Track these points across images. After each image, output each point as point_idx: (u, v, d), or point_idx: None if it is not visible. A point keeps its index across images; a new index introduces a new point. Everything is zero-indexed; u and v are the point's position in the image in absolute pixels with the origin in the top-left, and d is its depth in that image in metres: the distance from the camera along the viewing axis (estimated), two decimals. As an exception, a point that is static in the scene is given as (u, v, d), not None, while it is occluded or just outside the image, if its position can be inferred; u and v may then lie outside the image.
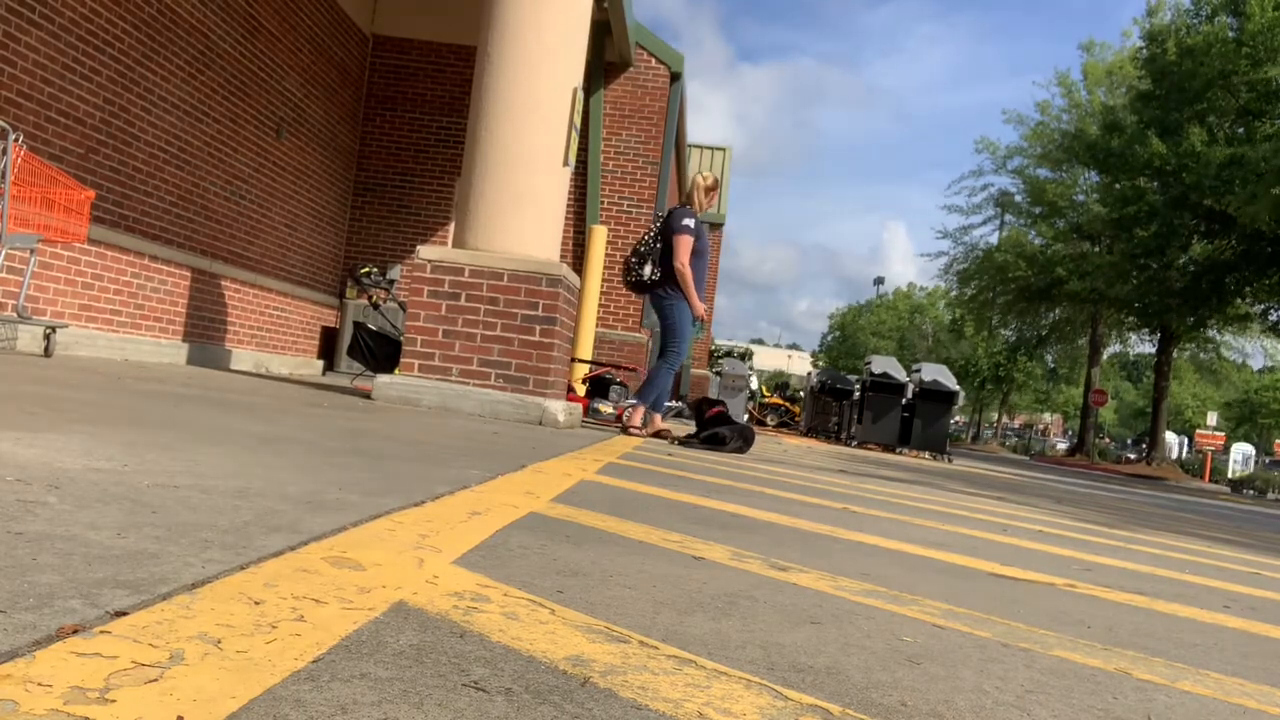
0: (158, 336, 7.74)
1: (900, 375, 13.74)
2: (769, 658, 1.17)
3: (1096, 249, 28.39)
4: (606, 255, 10.27)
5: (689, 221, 6.59)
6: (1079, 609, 1.92)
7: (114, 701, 0.73)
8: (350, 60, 11.07)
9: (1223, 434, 43.21)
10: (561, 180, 6.11)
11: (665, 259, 6.62)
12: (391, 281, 9.88)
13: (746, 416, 18.01)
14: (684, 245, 6.54)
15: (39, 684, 0.74)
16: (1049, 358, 40.15)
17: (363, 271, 9.82)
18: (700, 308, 6.63)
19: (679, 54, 11.83)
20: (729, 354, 29.75)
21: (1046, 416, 71.13)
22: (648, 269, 6.67)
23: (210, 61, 8.04)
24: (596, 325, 10.18)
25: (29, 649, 0.81)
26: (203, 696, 0.76)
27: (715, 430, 6.39)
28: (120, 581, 1.04)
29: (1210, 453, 35.72)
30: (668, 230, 6.66)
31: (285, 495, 1.77)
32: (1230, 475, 31.74)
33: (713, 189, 6.80)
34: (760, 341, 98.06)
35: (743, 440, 6.43)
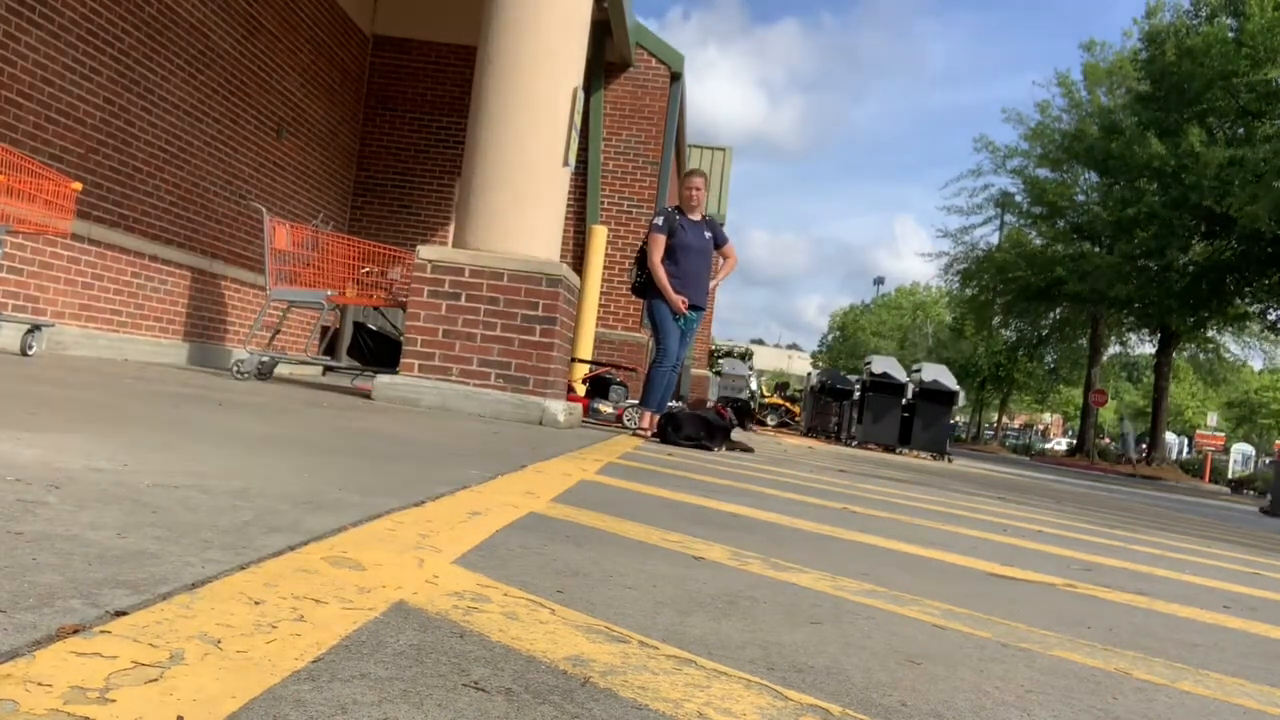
0: (157, 336, 7.74)
1: (900, 375, 13.74)
2: (769, 658, 1.17)
3: (1097, 249, 28.38)
4: (606, 255, 10.28)
5: (658, 220, 6.83)
6: (1079, 609, 1.92)
7: (114, 701, 0.73)
8: (350, 60, 11.07)
9: (1223, 434, 43.24)
10: (561, 180, 6.11)
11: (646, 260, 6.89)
12: (391, 281, 9.87)
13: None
14: (653, 243, 6.77)
15: (39, 684, 0.74)
16: (1049, 358, 40.15)
17: (363, 271, 9.81)
18: (676, 302, 6.67)
19: (679, 54, 11.83)
20: (729, 354, 29.72)
21: (1046, 416, 71.14)
22: (635, 272, 6.97)
23: (210, 61, 8.04)
24: (596, 325, 10.18)
25: (29, 649, 0.81)
26: (203, 696, 0.76)
27: (688, 433, 6.37)
28: (120, 581, 1.04)
29: (1210, 453, 35.73)
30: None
31: (285, 495, 1.76)
32: (1230, 475, 31.74)
33: (687, 182, 6.89)
34: (760, 341, 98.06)
35: (719, 435, 6.45)
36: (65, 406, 2.95)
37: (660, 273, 6.68)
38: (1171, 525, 5.75)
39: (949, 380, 13.68)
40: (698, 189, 6.83)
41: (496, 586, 1.31)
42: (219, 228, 8.53)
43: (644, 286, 6.89)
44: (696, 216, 6.91)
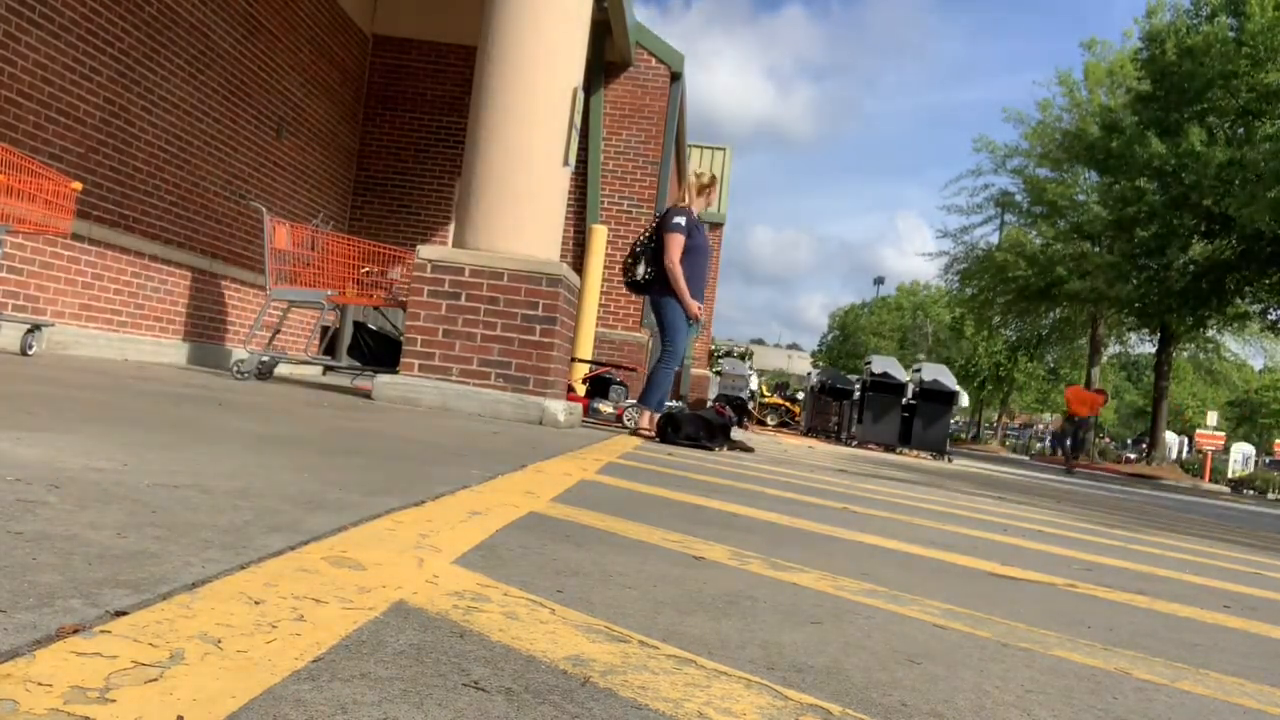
0: (158, 336, 7.74)
1: (900, 375, 13.76)
2: (769, 657, 1.17)
3: (1097, 249, 28.36)
4: (606, 255, 10.27)
5: (679, 220, 6.67)
6: (1079, 609, 1.92)
7: (114, 701, 0.73)
8: (350, 60, 11.07)
9: (1223, 434, 43.16)
10: (561, 180, 6.11)
11: (659, 258, 6.70)
12: (391, 281, 9.87)
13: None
14: (674, 244, 6.63)
15: (39, 684, 0.74)
16: (1049, 358, 40.14)
17: (363, 271, 9.82)
18: (693, 306, 6.65)
19: (679, 53, 11.83)
20: (729, 354, 29.72)
21: (1046, 416, 71.09)
22: (641, 269, 6.80)
23: (210, 61, 8.03)
24: (596, 325, 10.18)
25: (29, 649, 0.81)
26: (203, 696, 0.76)
27: (687, 433, 6.39)
28: (120, 581, 1.04)
29: (1210, 453, 35.68)
30: (660, 229, 6.76)
31: (285, 495, 1.76)
32: (1230, 475, 31.72)
33: (707, 187, 6.83)
34: (761, 341, 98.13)
35: (720, 435, 6.45)
36: (65, 406, 2.95)
37: (679, 274, 6.60)
38: (1171, 525, 5.75)
39: (949, 380, 13.69)
40: (707, 201, 6.89)
41: (496, 586, 1.31)
42: (219, 228, 8.52)
43: (647, 283, 6.80)
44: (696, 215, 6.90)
